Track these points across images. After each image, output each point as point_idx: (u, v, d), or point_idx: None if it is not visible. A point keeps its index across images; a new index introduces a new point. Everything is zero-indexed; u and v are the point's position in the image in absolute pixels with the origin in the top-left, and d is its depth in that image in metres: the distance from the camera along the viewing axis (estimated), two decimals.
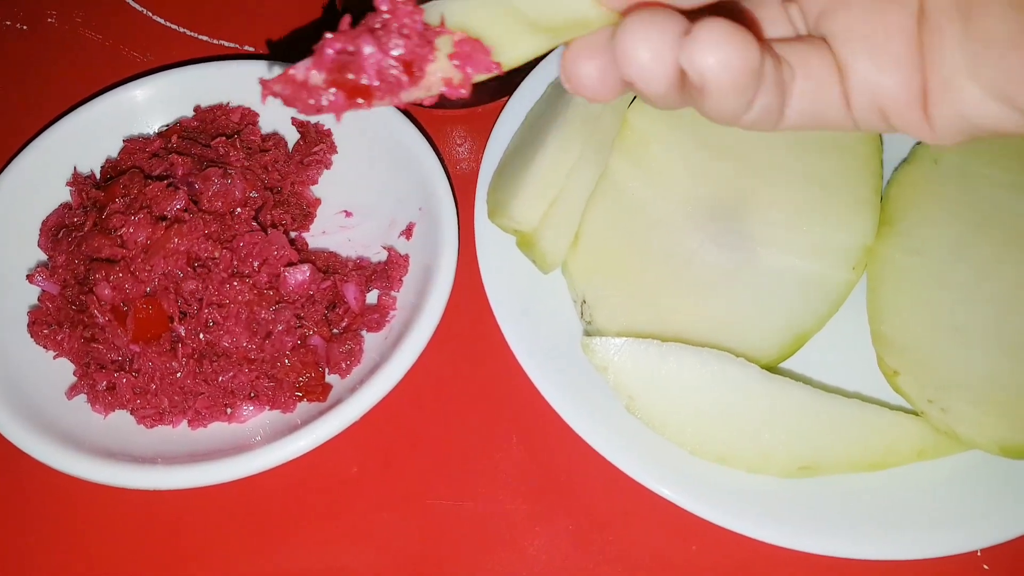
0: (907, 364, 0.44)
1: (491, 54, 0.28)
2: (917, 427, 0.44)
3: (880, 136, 0.52)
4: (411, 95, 0.28)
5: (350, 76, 0.27)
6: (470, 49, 0.28)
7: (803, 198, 0.49)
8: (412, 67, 0.28)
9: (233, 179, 0.48)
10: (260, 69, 0.55)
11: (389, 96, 0.28)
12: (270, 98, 0.27)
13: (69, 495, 0.46)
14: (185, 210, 0.46)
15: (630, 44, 0.27)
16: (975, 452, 0.43)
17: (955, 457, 0.44)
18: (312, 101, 0.28)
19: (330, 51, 0.27)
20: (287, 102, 0.28)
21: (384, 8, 0.28)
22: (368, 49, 0.27)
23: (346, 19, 0.28)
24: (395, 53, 0.28)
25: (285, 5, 0.67)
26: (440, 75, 0.28)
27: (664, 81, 0.27)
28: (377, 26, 0.28)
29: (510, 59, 0.29)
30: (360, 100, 0.28)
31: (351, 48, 0.28)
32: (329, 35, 0.28)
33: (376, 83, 0.28)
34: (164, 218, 0.46)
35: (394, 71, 0.28)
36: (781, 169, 0.50)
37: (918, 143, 0.53)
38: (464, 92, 0.29)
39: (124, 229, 0.45)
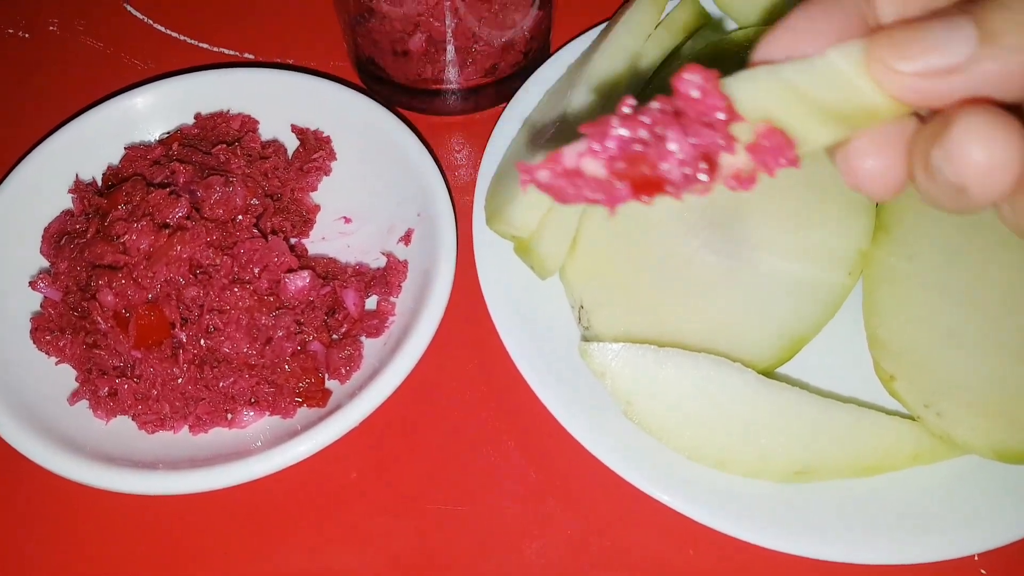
0: (903, 369, 0.44)
1: (795, 147, 0.26)
2: (913, 431, 0.44)
3: None
4: (698, 190, 0.25)
5: (641, 168, 0.25)
6: (774, 141, 0.25)
7: (799, 203, 0.49)
8: (711, 159, 0.25)
9: (234, 187, 0.48)
10: (260, 76, 0.56)
11: (679, 192, 0.25)
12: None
13: (71, 500, 0.46)
14: (187, 218, 0.47)
15: (975, 144, 0.24)
16: (971, 456, 0.44)
17: (951, 461, 0.44)
18: (587, 192, 0.25)
19: (614, 137, 0.25)
20: (553, 193, 0.25)
21: (688, 91, 0.25)
22: (672, 139, 0.25)
23: (628, 100, 0.25)
24: (694, 143, 0.25)
25: (284, 13, 0.68)
26: (733, 168, 0.25)
27: (1007, 184, 0.24)
28: (674, 110, 0.25)
29: (805, 151, 0.26)
30: (646, 196, 0.25)
31: (640, 135, 0.25)
32: (614, 119, 0.25)
33: (674, 177, 0.25)
34: (166, 225, 0.46)
35: (694, 165, 0.25)
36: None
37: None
38: (752, 187, 0.26)
39: (127, 236, 0.46)
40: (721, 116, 0.25)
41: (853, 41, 0.26)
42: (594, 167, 0.25)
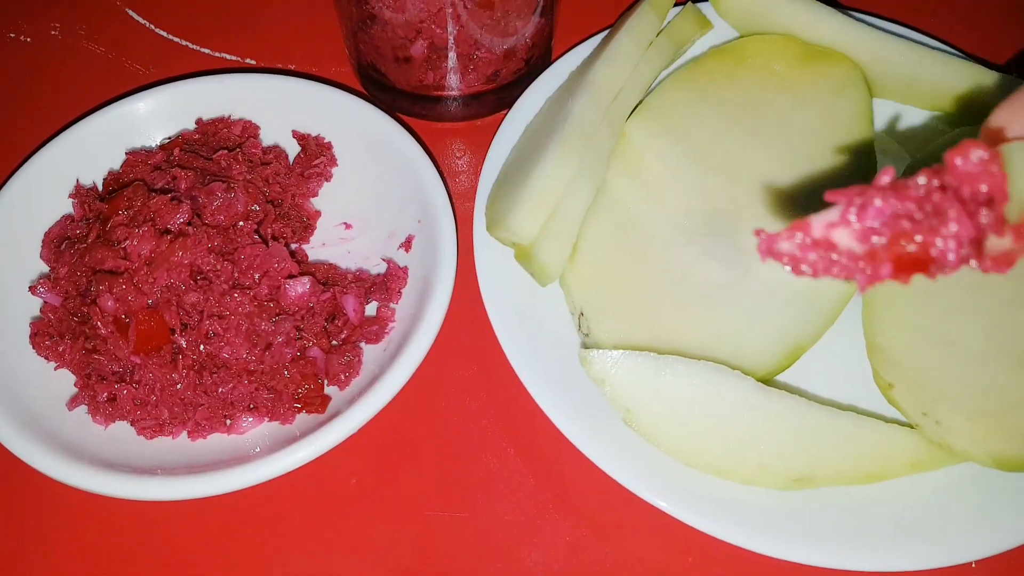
0: (901, 377, 0.44)
1: None
2: (912, 439, 0.44)
3: (874, 151, 0.52)
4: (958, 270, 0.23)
5: (907, 247, 0.23)
6: None
7: (796, 212, 0.50)
8: (980, 240, 0.23)
9: (236, 193, 0.48)
10: (261, 82, 0.56)
11: (943, 271, 0.23)
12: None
13: (69, 505, 0.46)
14: (189, 223, 0.47)
15: None
16: (969, 464, 0.44)
17: (950, 469, 0.44)
18: (839, 267, 0.23)
19: (875, 210, 0.23)
20: (795, 265, 0.23)
21: (967, 168, 0.23)
22: (953, 218, 0.23)
23: (889, 171, 0.23)
24: (966, 227, 0.23)
25: (286, 19, 0.68)
26: (996, 250, 0.24)
27: None
28: (943, 185, 0.23)
29: None
30: (905, 276, 0.23)
31: (908, 209, 0.23)
32: (874, 189, 0.23)
33: (949, 259, 0.23)
34: (168, 231, 0.46)
35: (970, 246, 0.23)
36: (774, 183, 0.51)
37: (912, 160, 0.53)
38: (1008, 270, 0.24)
39: (128, 241, 0.46)
40: (999, 195, 0.23)
41: None
42: (848, 240, 0.23)
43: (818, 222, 0.23)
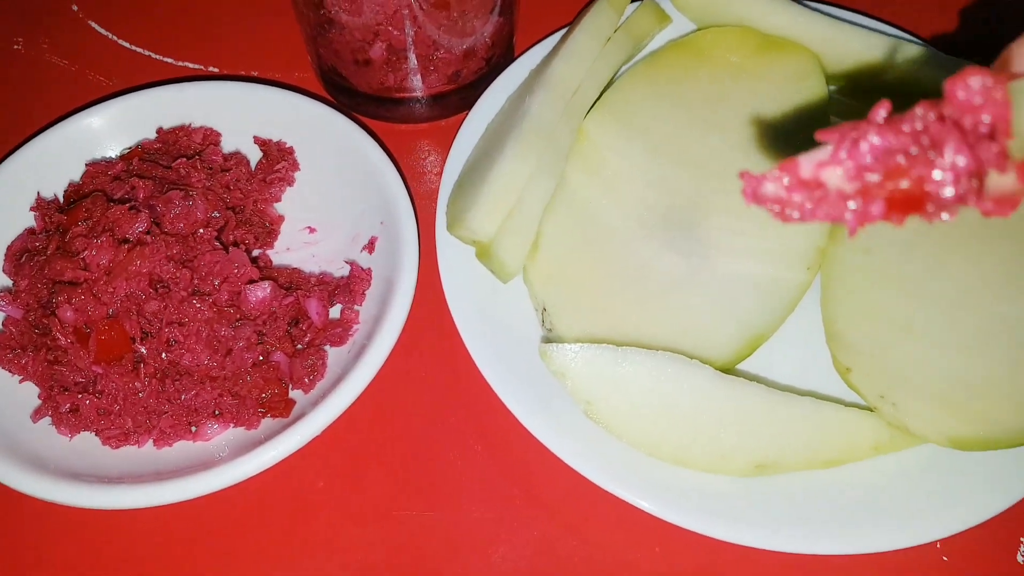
0: (859, 361, 0.45)
1: None
2: (871, 423, 0.44)
3: None
4: (955, 211, 0.22)
5: (902, 183, 0.21)
6: None
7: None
8: (981, 178, 0.22)
9: (195, 200, 0.48)
10: (221, 89, 0.56)
11: (938, 213, 0.22)
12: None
13: (36, 517, 0.46)
14: (147, 232, 0.47)
15: None
16: (928, 446, 0.44)
17: (910, 451, 0.45)
18: (827, 208, 0.22)
19: (868, 146, 0.21)
20: (782, 208, 0.22)
21: (969, 97, 0.22)
22: (950, 150, 0.21)
23: (885, 104, 0.22)
24: (971, 157, 0.21)
25: (248, 26, 0.68)
26: (999, 189, 0.22)
27: None
28: (943, 117, 0.22)
29: None
30: (899, 216, 0.22)
31: (903, 144, 0.21)
32: (867, 124, 0.22)
33: (946, 195, 0.21)
34: (126, 241, 0.47)
35: (968, 182, 0.21)
36: (734, 175, 0.51)
37: None
38: (1011, 213, 0.22)
39: (87, 252, 0.46)
40: (1002, 127, 0.22)
41: None
42: (839, 179, 0.22)
43: (807, 161, 0.22)
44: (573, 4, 0.64)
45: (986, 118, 0.22)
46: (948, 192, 0.21)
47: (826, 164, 0.22)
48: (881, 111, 0.22)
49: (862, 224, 0.22)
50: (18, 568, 0.45)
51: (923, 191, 0.21)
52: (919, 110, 0.22)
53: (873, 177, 0.22)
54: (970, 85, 0.22)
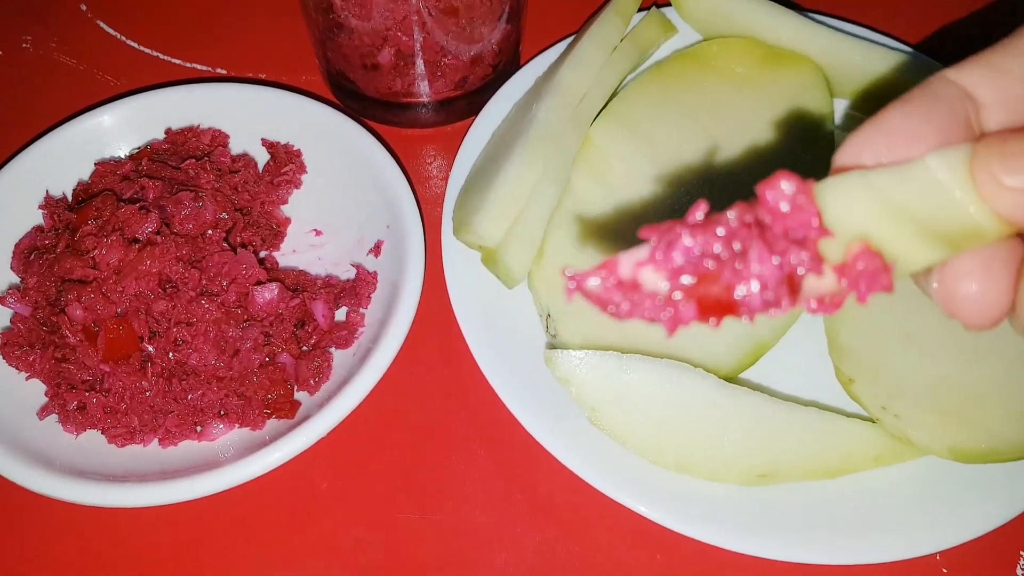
0: (861, 372, 0.45)
1: (891, 272, 0.22)
2: (873, 434, 0.45)
3: (835, 150, 0.53)
4: (772, 315, 0.22)
5: (713, 288, 0.21)
6: (869, 265, 0.22)
7: None
8: (795, 282, 0.22)
9: (204, 202, 0.49)
10: (230, 91, 0.56)
11: (752, 316, 0.22)
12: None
13: (41, 514, 0.46)
14: (157, 233, 0.47)
15: None
16: (930, 457, 0.44)
17: (911, 463, 0.45)
18: (645, 309, 0.22)
19: (682, 248, 0.21)
20: (603, 306, 0.22)
21: (777, 203, 0.22)
22: (756, 258, 0.21)
23: (702, 205, 0.22)
24: (779, 263, 0.21)
25: (257, 29, 0.68)
26: (817, 291, 0.22)
27: None
28: (755, 221, 0.22)
29: (901, 275, 0.23)
30: (714, 319, 0.22)
31: (714, 249, 0.21)
32: (683, 226, 0.21)
33: (753, 303, 0.21)
34: (136, 240, 0.47)
35: (777, 288, 0.21)
36: (738, 185, 0.51)
37: None
38: (836, 311, 0.22)
39: (96, 251, 0.46)
40: (811, 233, 0.22)
41: (955, 147, 0.23)
42: (655, 281, 0.21)
43: (627, 260, 0.22)
44: (577, 13, 0.65)
45: (799, 223, 0.22)
46: (755, 301, 0.21)
47: (644, 264, 0.22)
48: (698, 212, 0.22)
49: (675, 328, 0.22)
50: (22, 564, 0.45)
51: (734, 298, 0.22)
52: (732, 213, 0.22)
53: (686, 280, 0.21)
54: (779, 190, 0.22)
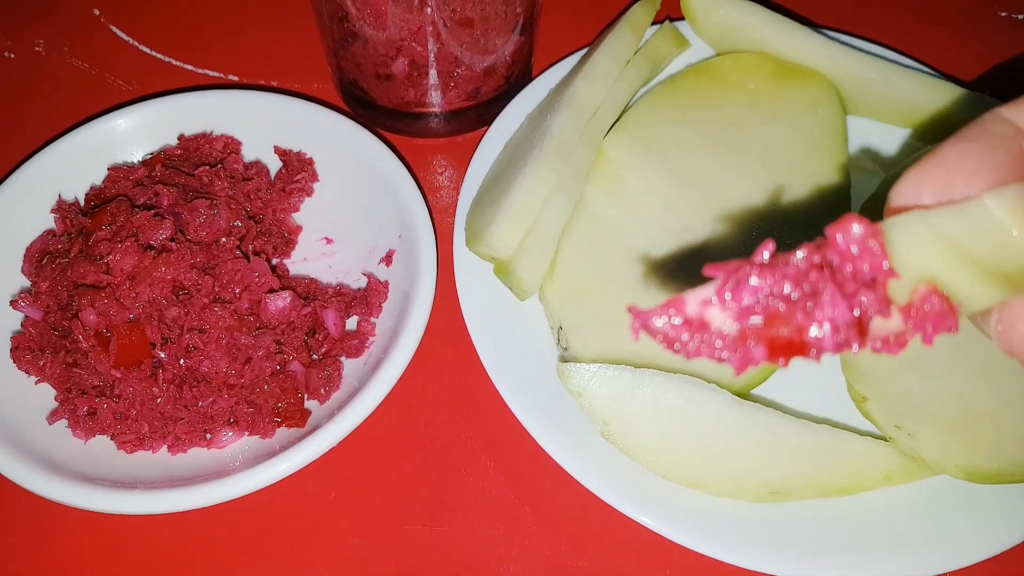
0: (874, 390, 0.45)
1: (957, 313, 0.23)
2: (886, 452, 0.44)
3: (848, 168, 0.53)
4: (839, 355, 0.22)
5: (782, 330, 0.21)
6: (936, 307, 0.22)
7: (774, 226, 0.50)
8: (864, 323, 0.22)
9: (219, 209, 0.49)
10: (243, 98, 0.56)
11: (820, 356, 0.22)
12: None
13: (48, 519, 0.46)
14: (172, 239, 0.47)
15: None
16: (942, 477, 0.44)
17: (924, 481, 0.45)
18: (712, 349, 0.22)
19: (749, 288, 0.21)
20: (669, 343, 0.22)
21: (848, 246, 0.22)
22: (828, 300, 0.21)
23: (768, 245, 0.22)
24: (850, 305, 0.21)
25: (269, 36, 0.68)
26: (884, 332, 0.22)
27: None
28: (823, 263, 0.22)
29: (965, 314, 0.23)
30: (783, 359, 0.22)
31: (783, 289, 0.21)
32: (750, 266, 0.21)
33: (825, 345, 0.21)
34: (150, 247, 0.47)
35: (847, 330, 0.21)
36: (750, 199, 0.51)
37: (886, 176, 0.54)
38: (901, 352, 0.23)
39: (111, 256, 0.46)
40: (881, 275, 0.22)
41: (1013, 186, 0.23)
42: (722, 320, 0.21)
43: (693, 299, 0.22)
44: (588, 26, 0.65)
45: (869, 266, 0.22)
46: (827, 343, 0.22)
47: (710, 303, 0.22)
48: (765, 251, 0.22)
49: (744, 367, 0.22)
50: (28, 569, 0.45)
51: (805, 340, 0.22)
52: (801, 253, 0.22)
53: (755, 320, 0.22)
54: (849, 233, 0.22)
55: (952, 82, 0.57)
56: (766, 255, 0.22)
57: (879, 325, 0.22)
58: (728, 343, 0.22)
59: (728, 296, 0.22)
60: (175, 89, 0.59)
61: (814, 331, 0.22)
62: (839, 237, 0.22)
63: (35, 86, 0.66)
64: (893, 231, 0.23)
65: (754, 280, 0.22)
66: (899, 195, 0.25)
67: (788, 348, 0.21)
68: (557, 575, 0.45)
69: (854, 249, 0.22)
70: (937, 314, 0.23)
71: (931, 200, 0.24)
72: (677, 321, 0.22)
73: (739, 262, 0.22)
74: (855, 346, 0.22)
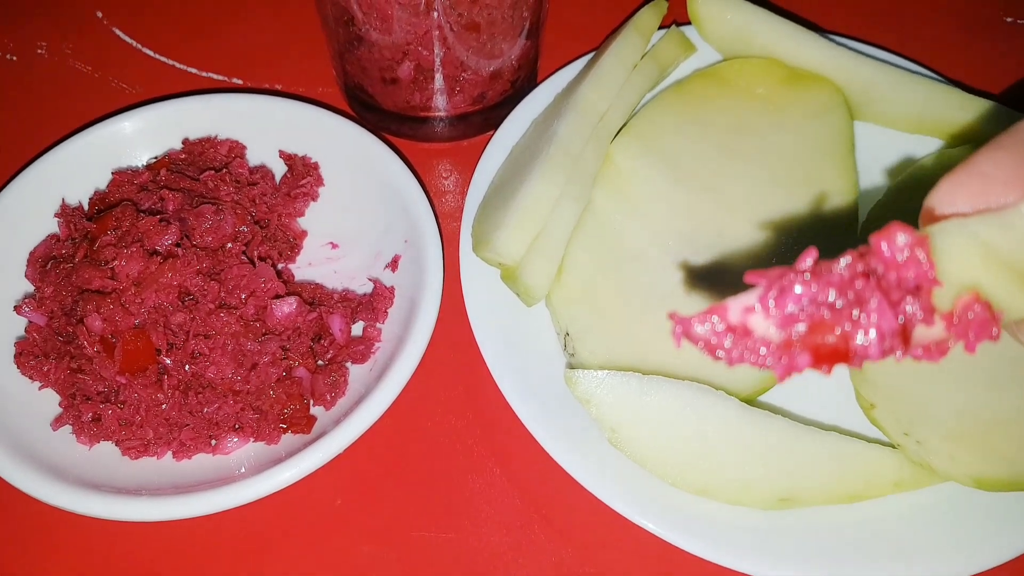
0: (883, 397, 0.45)
1: (999, 321, 0.22)
2: (894, 459, 0.44)
3: (856, 174, 0.53)
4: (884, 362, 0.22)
5: (827, 337, 0.21)
6: (979, 315, 0.22)
7: (779, 233, 0.50)
8: (907, 331, 0.22)
9: (224, 215, 0.48)
10: (248, 102, 0.56)
11: (862, 363, 0.22)
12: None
13: (53, 526, 0.46)
14: (177, 245, 0.47)
15: None
16: (951, 484, 0.44)
17: (932, 489, 0.45)
18: (756, 356, 0.22)
19: (793, 295, 0.21)
20: (711, 351, 0.22)
21: (894, 253, 0.22)
22: (875, 308, 0.21)
23: (812, 252, 0.22)
24: (888, 319, 0.21)
25: (274, 39, 0.68)
26: (926, 339, 0.22)
27: None
28: (867, 271, 0.22)
29: (1007, 323, 0.23)
30: (827, 367, 0.22)
31: (827, 297, 0.21)
32: (794, 273, 0.21)
33: (870, 352, 0.21)
34: (156, 252, 0.46)
35: (893, 338, 0.22)
36: (757, 205, 0.51)
37: (893, 184, 0.54)
38: (942, 359, 0.23)
39: (116, 262, 0.46)
40: (926, 283, 0.22)
41: None
42: (765, 327, 0.22)
43: (735, 306, 0.22)
44: (593, 31, 0.65)
45: (914, 274, 0.22)
46: (872, 350, 0.22)
47: (753, 310, 0.22)
48: (808, 259, 0.22)
49: (788, 374, 0.22)
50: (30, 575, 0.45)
51: (848, 346, 0.22)
52: (845, 260, 0.22)
53: (799, 328, 0.22)
54: (894, 242, 0.22)
55: (959, 88, 0.57)
56: (808, 262, 0.22)
57: (921, 333, 0.22)
58: (772, 350, 0.22)
59: (772, 303, 0.22)
60: (179, 93, 0.59)
61: (860, 339, 0.22)
62: (884, 245, 0.22)
63: (37, 89, 0.65)
64: (935, 239, 0.23)
65: (798, 288, 0.22)
66: (934, 201, 0.25)
67: (833, 355, 0.22)
68: None
69: (900, 257, 0.22)
70: (980, 322, 0.22)
71: (966, 208, 0.24)
72: (720, 328, 0.22)
73: (782, 269, 0.22)
74: (899, 353, 0.22)
